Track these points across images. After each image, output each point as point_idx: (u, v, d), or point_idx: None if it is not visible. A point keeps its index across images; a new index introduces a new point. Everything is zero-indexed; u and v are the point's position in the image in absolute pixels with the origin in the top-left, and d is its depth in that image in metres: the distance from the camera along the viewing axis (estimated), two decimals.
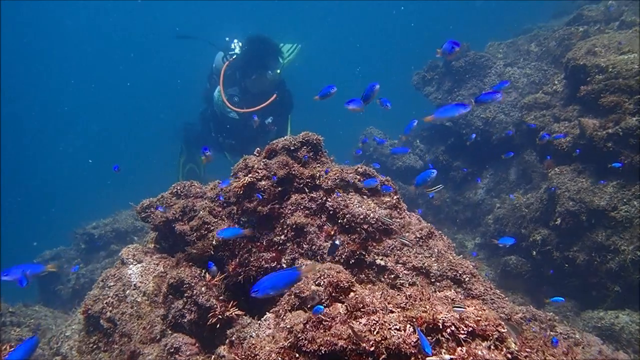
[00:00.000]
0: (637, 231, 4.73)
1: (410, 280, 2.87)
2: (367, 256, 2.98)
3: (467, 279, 2.86)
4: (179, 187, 3.74)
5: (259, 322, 2.82)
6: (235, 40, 7.57)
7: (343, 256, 2.98)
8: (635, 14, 6.82)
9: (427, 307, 1.86)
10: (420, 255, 2.96)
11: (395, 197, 3.19)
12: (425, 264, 2.90)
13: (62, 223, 11.34)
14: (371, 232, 3.01)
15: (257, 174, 3.16)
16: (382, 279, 2.93)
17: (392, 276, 2.92)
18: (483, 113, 7.60)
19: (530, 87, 7.37)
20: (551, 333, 3.18)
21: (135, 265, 3.68)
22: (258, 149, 3.43)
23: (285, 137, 3.29)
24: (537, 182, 6.53)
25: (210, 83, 7.85)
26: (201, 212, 3.44)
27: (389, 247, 2.99)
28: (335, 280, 2.22)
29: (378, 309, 1.93)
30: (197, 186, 3.74)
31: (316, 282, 2.51)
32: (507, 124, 7.39)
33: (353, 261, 2.97)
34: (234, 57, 7.25)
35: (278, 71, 7.01)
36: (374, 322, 1.85)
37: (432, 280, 2.88)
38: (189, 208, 3.57)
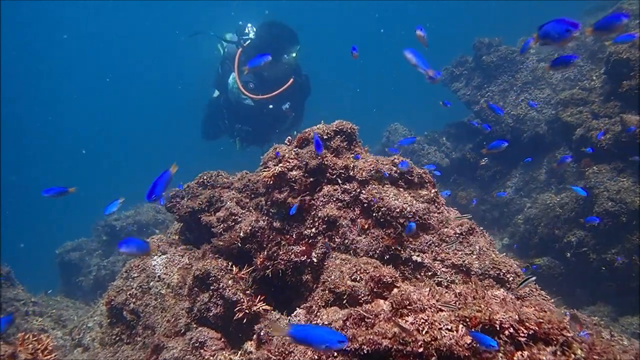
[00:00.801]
0: None
1: (449, 278, 2.70)
2: (402, 252, 2.81)
3: (510, 278, 2.68)
4: (205, 177, 3.63)
5: (289, 317, 2.68)
6: (249, 25, 7.35)
7: (377, 251, 2.82)
8: None
9: (482, 306, 1.70)
10: (460, 252, 2.78)
11: (433, 191, 3.02)
12: (466, 262, 2.72)
13: (83, 215, 11.39)
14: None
15: (288, 164, 3.02)
16: (419, 277, 2.76)
17: (430, 274, 2.75)
18: (514, 110, 7.37)
19: (564, 83, 7.12)
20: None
21: (159, 256, 3.58)
22: (289, 137, 3.28)
23: (318, 126, 3.14)
24: (571, 181, 6.29)
25: (223, 69, 7.63)
26: (228, 203, 3.32)
27: (427, 242, 2.82)
28: (378, 275, 2.06)
29: (426, 306, 1.77)
30: (224, 176, 3.62)
31: (352, 277, 2.36)
32: (539, 122, 7.15)
33: (388, 257, 2.81)
34: (248, 42, 7.03)
35: (294, 55, 6.83)
36: (422, 320, 1.70)
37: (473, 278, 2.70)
38: (215, 199, 3.46)
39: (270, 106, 6.79)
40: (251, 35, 7.17)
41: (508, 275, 2.69)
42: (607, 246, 5.02)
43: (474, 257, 2.76)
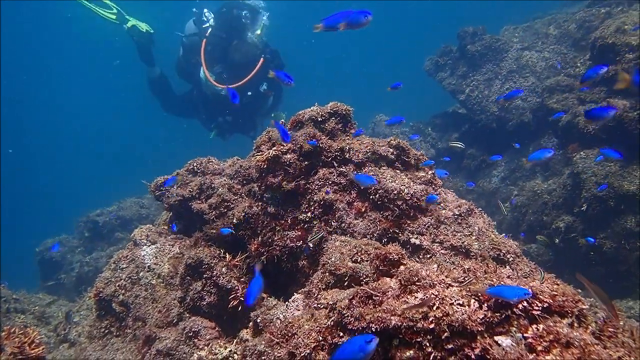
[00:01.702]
0: None
1: (448, 260, 2.66)
2: (400, 234, 2.77)
3: (510, 258, 2.65)
4: (195, 164, 3.54)
5: (286, 303, 2.62)
6: (206, 11, 6.98)
7: (375, 234, 2.77)
8: None
9: (494, 280, 1.65)
10: (459, 234, 2.75)
11: (430, 172, 2.98)
12: (465, 243, 2.68)
13: (64, 212, 11.15)
14: (405, 209, 2.80)
15: (282, 147, 2.94)
16: (418, 259, 2.72)
17: (428, 256, 2.71)
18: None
19: (549, 71, 7.14)
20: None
21: (149, 246, 3.48)
22: (282, 120, 3.21)
23: (312, 108, 3.07)
24: (558, 168, 6.31)
25: (186, 59, 7.25)
26: (220, 190, 3.23)
27: (425, 224, 2.78)
28: (384, 253, 2.00)
29: (435, 282, 1.72)
30: (215, 162, 3.53)
31: (353, 259, 2.30)
32: (525, 110, 7.17)
33: (385, 240, 2.75)
34: (209, 30, 6.75)
35: (258, 32, 6.62)
36: (433, 296, 1.64)
37: (473, 259, 2.66)
38: (206, 186, 3.37)
39: (249, 93, 6.60)
40: (211, 22, 6.88)
41: (508, 256, 2.67)
42: (596, 231, 5.04)
43: (473, 238, 2.72)
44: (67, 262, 7.66)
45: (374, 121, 9.43)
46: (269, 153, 2.94)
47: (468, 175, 7.89)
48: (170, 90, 7.72)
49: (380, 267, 2.02)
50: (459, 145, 5.72)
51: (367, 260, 2.21)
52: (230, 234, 3.00)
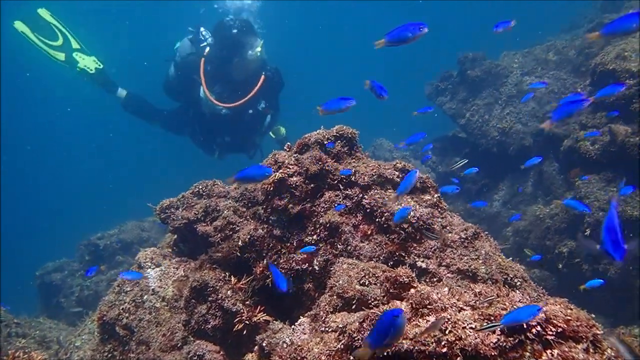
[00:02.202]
0: None
1: (455, 284, 2.65)
2: (407, 257, 2.76)
3: (518, 283, 2.64)
4: (200, 187, 3.54)
5: (293, 327, 2.59)
6: (202, 29, 6.86)
7: (381, 257, 2.76)
8: None
9: (507, 304, 1.65)
10: (465, 257, 2.74)
11: (435, 196, 2.99)
12: (472, 267, 2.67)
13: (65, 235, 11.11)
14: (411, 232, 2.80)
15: (288, 170, 2.96)
16: (424, 283, 2.71)
17: (435, 279, 2.70)
18: (500, 123, 7.44)
19: (549, 96, 7.21)
20: None
21: (153, 269, 3.46)
22: (289, 143, 3.22)
23: (318, 131, 3.10)
24: (560, 192, 6.33)
25: (178, 74, 7.08)
26: (225, 212, 3.23)
27: (431, 248, 2.78)
28: (394, 276, 2.00)
29: (447, 305, 1.71)
30: (220, 185, 3.53)
31: (361, 282, 2.29)
32: (525, 134, 7.22)
33: (392, 263, 2.75)
34: (207, 49, 6.62)
35: (258, 50, 6.49)
36: (445, 320, 1.63)
37: (480, 283, 2.65)
38: (211, 208, 3.36)
39: (250, 111, 6.55)
40: (209, 40, 6.78)
41: (516, 280, 2.66)
42: (600, 256, 5.03)
43: (480, 262, 2.71)
44: (67, 285, 7.61)
45: (374, 145, 9.49)
46: (275, 176, 2.95)
47: (469, 199, 7.90)
48: (150, 104, 7.65)
49: (391, 290, 2.01)
50: (461, 163, 5.71)
51: (375, 283, 2.20)
52: (236, 258, 2.99)
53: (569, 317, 1.57)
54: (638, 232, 4.72)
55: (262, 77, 6.33)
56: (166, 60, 7.28)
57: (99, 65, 7.27)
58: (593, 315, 1.67)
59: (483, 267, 2.68)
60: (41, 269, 8.19)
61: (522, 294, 2.53)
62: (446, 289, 1.88)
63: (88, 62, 7.21)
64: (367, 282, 2.28)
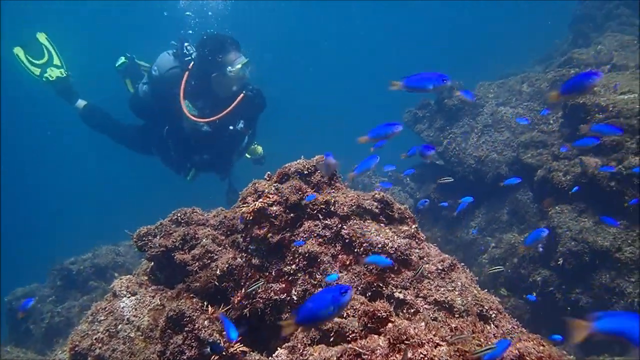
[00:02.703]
0: None
1: (432, 315, 2.67)
2: (384, 289, 2.78)
3: (493, 315, 2.68)
4: (179, 214, 3.53)
5: (269, 358, 2.58)
6: (187, 44, 6.81)
7: (359, 288, 2.78)
8: (625, 58, 6.98)
9: (482, 340, 1.68)
10: (442, 289, 2.77)
11: (413, 227, 3.03)
12: (448, 298, 2.71)
13: (36, 260, 10.86)
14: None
15: (268, 199, 2.98)
16: (401, 314, 2.73)
17: (412, 310, 2.72)
18: (475, 152, 7.58)
19: (523, 126, 7.40)
20: None
21: (128, 297, 3.41)
22: (269, 172, 3.25)
23: (298, 161, 3.13)
24: (534, 221, 6.45)
25: (155, 89, 6.91)
26: (204, 240, 3.22)
27: (408, 278, 2.80)
28: (372, 310, 2.02)
29: (424, 341, 1.74)
30: (199, 213, 3.52)
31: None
32: (500, 163, 7.37)
33: (370, 293, 2.77)
34: (191, 63, 6.57)
35: (239, 66, 6.41)
36: (421, 356, 1.65)
37: (456, 315, 2.68)
38: (190, 236, 3.35)
39: (231, 127, 6.49)
40: (193, 55, 6.71)
41: (491, 312, 2.69)
42: (572, 286, 5.12)
43: (457, 293, 2.75)
44: (37, 311, 7.40)
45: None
46: (255, 205, 2.97)
47: (446, 226, 8.00)
48: (114, 119, 7.60)
49: (369, 325, 2.03)
50: (447, 180, 5.78)
51: (353, 316, 2.22)
52: (214, 287, 2.98)
53: (542, 355, 1.61)
54: (607, 263, 4.83)
55: (241, 95, 6.31)
56: (121, 73, 7.40)
57: (62, 74, 7.32)
58: (565, 352, 1.71)
59: (459, 298, 2.72)
60: (10, 295, 7.98)
61: (497, 327, 2.58)
62: (423, 323, 1.90)
63: (53, 73, 7.30)
64: (345, 315, 2.29)
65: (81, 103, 7.48)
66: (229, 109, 6.20)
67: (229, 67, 6.42)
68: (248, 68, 6.55)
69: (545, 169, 5.76)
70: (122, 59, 7.58)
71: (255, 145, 7.61)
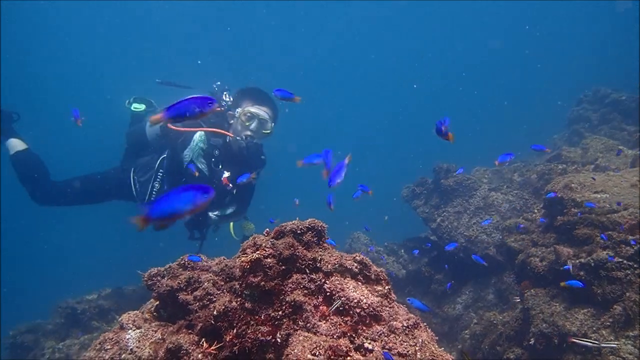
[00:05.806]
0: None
1: None
2: (356, 338, 3.23)
3: None
4: (186, 260, 4.03)
5: None
6: (226, 93, 7.01)
7: (335, 336, 3.22)
8: (608, 160, 7.60)
9: None
10: (405, 343, 3.21)
11: (387, 287, 3.51)
12: (409, 352, 3.15)
13: (35, 297, 11.23)
14: (363, 316, 3.29)
15: (264, 252, 3.49)
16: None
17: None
18: (466, 231, 8.07)
19: (511, 212, 7.93)
20: None
21: (133, 330, 3.86)
22: (267, 229, 3.78)
23: (293, 222, 3.66)
24: (514, 302, 6.84)
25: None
26: (206, 284, 3.71)
27: (378, 332, 3.25)
28: (335, 345, 2.48)
29: None
30: (204, 259, 4.03)
31: (312, 352, 2.76)
32: (489, 244, 7.84)
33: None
34: (224, 106, 6.83)
35: (268, 131, 6.62)
36: None
37: None
38: (194, 279, 3.84)
39: (230, 183, 6.37)
40: (229, 103, 6.97)
41: None
42: None
43: (417, 348, 3.19)
44: (40, 347, 7.74)
45: (351, 237, 10.07)
46: (252, 255, 3.47)
47: (434, 300, 8.37)
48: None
49: (332, 358, 2.48)
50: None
51: (322, 355, 2.67)
52: (210, 326, 3.43)
53: None
54: (575, 346, 5.19)
55: (230, 134, 6.48)
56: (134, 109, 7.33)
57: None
58: None
59: (419, 353, 3.16)
60: (14, 329, 8.33)
61: None
62: None
63: None
64: (317, 353, 2.74)
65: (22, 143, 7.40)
66: (213, 129, 6.26)
67: (238, 109, 6.67)
68: (262, 129, 6.70)
69: (525, 253, 6.23)
70: (142, 106, 7.50)
71: (248, 222, 7.27)
